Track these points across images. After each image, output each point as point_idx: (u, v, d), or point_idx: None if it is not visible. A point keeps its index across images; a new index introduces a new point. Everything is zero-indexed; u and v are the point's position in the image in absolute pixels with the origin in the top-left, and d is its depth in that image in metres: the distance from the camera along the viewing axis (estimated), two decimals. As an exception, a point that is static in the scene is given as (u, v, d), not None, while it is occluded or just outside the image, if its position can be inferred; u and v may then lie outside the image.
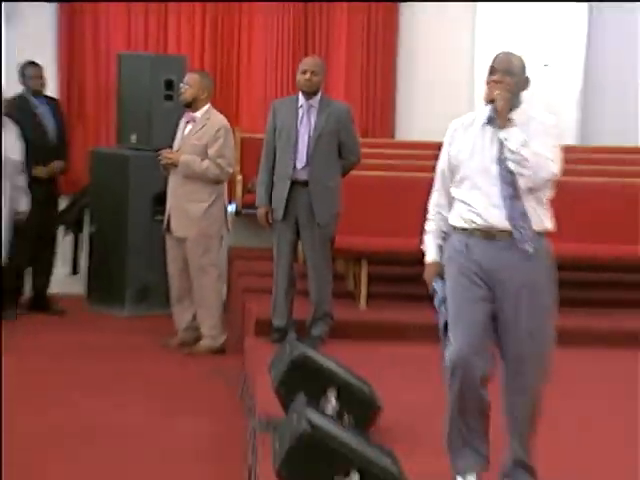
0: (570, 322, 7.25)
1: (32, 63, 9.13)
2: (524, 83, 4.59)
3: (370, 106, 10.47)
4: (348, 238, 7.84)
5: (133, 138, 9.24)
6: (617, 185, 8.79)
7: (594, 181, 8.75)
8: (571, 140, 9.93)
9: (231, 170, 8.17)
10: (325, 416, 4.65)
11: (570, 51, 10.30)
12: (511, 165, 4.46)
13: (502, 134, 4.47)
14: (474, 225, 4.53)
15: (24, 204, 8.56)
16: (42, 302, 9.25)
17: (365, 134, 9.78)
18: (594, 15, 10.46)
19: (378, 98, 10.51)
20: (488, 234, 4.51)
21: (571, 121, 10.15)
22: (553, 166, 4.49)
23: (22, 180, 8.56)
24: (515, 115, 4.50)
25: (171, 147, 8.03)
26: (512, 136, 4.44)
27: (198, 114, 7.91)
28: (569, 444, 5.39)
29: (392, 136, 10.52)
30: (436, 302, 4.67)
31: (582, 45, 10.36)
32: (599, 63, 10.42)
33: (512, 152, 4.43)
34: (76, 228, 9.77)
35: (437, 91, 10.40)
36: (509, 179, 4.49)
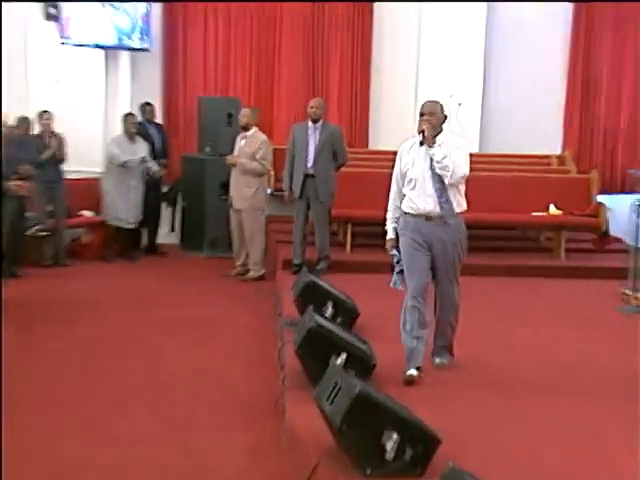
0: (477, 261, 7.22)
1: (147, 103, 9.31)
2: (443, 119, 4.58)
3: (353, 126, 10.26)
4: (340, 209, 7.77)
5: (208, 148, 9.13)
6: (506, 177, 8.76)
7: (491, 175, 8.71)
8: (475, 150, 9.76)
9: (270, 168, 8.16)
10: (325, 318, 4.65)
11: (472, 93, 10.04)
12: (438, 170, 4.46)
13: (431, 151, 4.47)
14: (418, 211, 4.53)
15: (155, 167, 8.77)
16: (153, 248, 9.25)
17: (350, 145, 9.60)
18: (488, 64, 10.13)
19: (357, 121, 10.28)
20: (427, 217, 4.52)
21: (474, 138, 9.92)
22: (464, 169, 4.50)
23: (151, 162, 8.76)
24: (438, 138, 4.49)
25: (232, 153, 7.97)
26: (437, 152, 4.45)
27: (249, 133, 7.88)
28: (473, 335, 5.35)
29: (367, 146, 10.35)
30: (394, 260, 4.66)
31: (480, 91, 10.08)
32: (492, 100, 10.17)
33: (437, 162, 4.44)
34: (173, 204, 9.72)
35: (391, 111, 10.09)
36: (438, 180, 4.48)
